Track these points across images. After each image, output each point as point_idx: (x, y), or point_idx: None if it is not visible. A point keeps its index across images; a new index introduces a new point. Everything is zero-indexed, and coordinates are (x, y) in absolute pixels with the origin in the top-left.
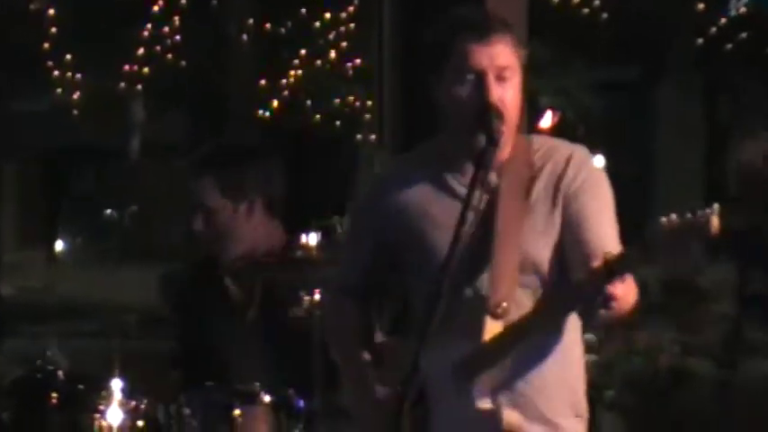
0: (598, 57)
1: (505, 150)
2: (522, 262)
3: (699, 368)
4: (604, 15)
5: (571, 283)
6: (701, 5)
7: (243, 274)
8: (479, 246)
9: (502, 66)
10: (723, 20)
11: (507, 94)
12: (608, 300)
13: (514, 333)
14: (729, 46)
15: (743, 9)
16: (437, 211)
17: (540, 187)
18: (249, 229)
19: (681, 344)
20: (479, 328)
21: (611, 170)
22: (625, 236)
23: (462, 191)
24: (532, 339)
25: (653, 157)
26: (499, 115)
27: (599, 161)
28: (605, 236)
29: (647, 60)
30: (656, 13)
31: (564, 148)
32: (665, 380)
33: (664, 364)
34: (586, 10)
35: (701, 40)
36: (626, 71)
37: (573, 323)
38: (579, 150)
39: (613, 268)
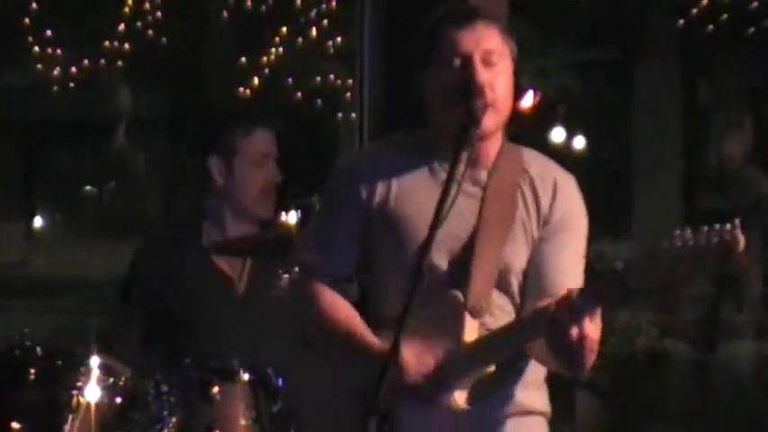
0: (578, 37)
1: (495, 145)
2: (501, 266)
3: (676, 349)
4: None
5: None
6: None
7: (228, 248)
8: (463, 245)
9: (488, 49)
10: (704, 1)
11: (496, 79)
12: (582, 338)
13: (490, 344)
14: (710, 27)
15: None
16: (423, 197)
17: (528, 201)
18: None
19: (658, 325)
20: (459, 326)
21: (591, 151)
22: (600, 221)
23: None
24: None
25: (630, 138)
26: (481, 93)
27: (579, 142)
28: (569, 278)
29: (627, 41)
30: None
31: (553, 170)
32: (642, 361)
33: (641, 346)
34: None
35: (681, 21)
36: (606, 51)
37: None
38: (567, 180)
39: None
